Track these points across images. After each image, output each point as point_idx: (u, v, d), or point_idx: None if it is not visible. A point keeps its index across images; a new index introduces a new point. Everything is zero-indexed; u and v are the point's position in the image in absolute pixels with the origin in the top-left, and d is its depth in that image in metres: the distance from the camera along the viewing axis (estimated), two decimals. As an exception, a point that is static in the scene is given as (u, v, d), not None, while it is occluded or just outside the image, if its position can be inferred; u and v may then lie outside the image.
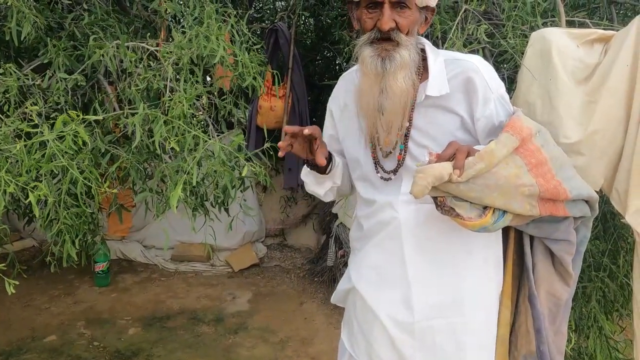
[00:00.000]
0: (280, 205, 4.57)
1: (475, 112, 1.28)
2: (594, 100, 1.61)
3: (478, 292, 1.38)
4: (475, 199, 1.15)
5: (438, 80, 1.28)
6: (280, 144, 1.28)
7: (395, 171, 1.36)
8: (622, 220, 1.59)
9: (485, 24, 1.88)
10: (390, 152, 1.36)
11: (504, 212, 1.18)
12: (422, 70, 1.31)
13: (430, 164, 1.12)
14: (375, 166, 1.40)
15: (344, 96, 1.48)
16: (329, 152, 1.42)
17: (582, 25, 2.04)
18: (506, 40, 1.89)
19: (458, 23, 1.84)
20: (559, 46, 1.68)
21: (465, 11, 1.89)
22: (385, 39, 1.23)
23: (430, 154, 1.13)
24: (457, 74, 1.29)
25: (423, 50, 1.33)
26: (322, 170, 1.41)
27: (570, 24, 2.03)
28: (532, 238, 1.40)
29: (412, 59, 1.25)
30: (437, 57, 1.32)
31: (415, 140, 1.33)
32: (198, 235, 1.92)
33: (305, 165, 1.43)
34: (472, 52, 1.91)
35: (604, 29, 1.97)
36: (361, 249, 1.49)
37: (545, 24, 1.98)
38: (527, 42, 1.79)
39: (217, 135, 1.94)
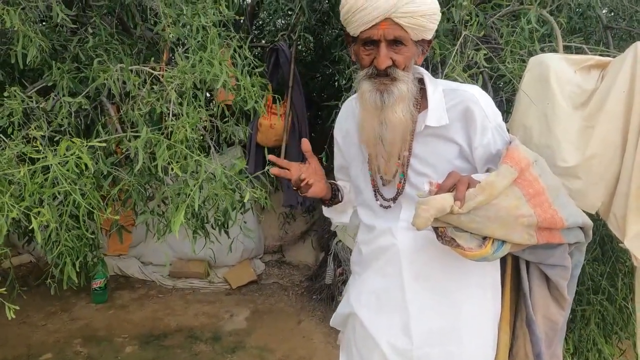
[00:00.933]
0: (279, 222, 4.56)
1: (473, 141, 1.30)
2: (591, 125, 1.63)
3: (476, 319, 1.38)
4: (476, 229, 1.16)
5: (437, 111, 1.30)
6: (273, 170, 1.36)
7: (394, 199, 1.39)
8: (620, 244, 1.60)
9: (483, 48, 1.91)
10: (390, 181, 1.38)
11: (503, 241, 1.19)
12: (421, 100, 1.34)
13: (431, 194, 1.14)
14: (375, 194, 1.43)
15: (345, 123, 1.52)
16: (331, 183, 1.50)
17: (578, 50, 2.07)
18: (505, 65, 1.92)
19: (457, 48, 1.87)
20: (556, 72, 1.71)
21: (464, 36, 1.92)
22: (382, 75, 1.25)
23: (430, 183, 1.15)
24: (456, 104, 1.31)
25: (421, 80, 1.35)
26: (334, 201, 1.51)
27: (567, 48, 2.06)
28: (527, 263, 1.41)
29: (410, 92, 1.27)
30: (436, 88, 1.34)
31: (414, 168, 1.35)
32: (196, 251, 1.93)
33: (322, 205, 1.55)
34: (471, 76, 1.94)
35: (600, 54, 2.01)
36: (361, 273, 1.51)
37: (543, 49, 2.02)
38: (525, 66, 1.82)
39: (218, 153, 1.96)
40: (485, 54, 1.88)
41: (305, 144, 1.43)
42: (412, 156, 1.34)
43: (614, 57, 1.73)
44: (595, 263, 2.13)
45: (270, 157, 1.37)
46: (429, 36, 1.30)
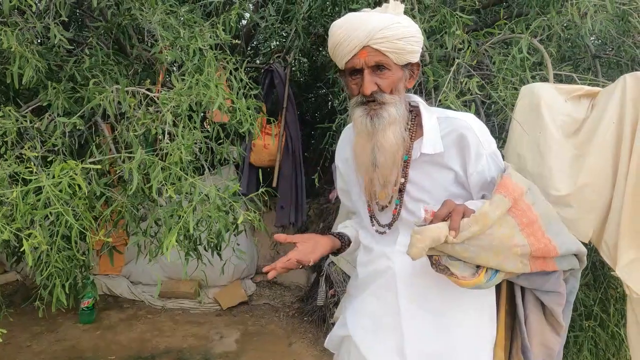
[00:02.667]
0: (272, 242, 4.54)
1: (468, 167, 1.32)
2: (582, 155, 1.66)
3: (472, 342, 1.38)
4: (469, 258, 1.17)
5: (432, 139, 1.32)
6: (267, 269, 1.37)
7: (390, 225, 1.40)
8: (611, 272, 1.61)
9: (476, 75, 1.95)
10: (386, 206, 1.40)
11: (497, 270, 1.20)
12: (417, 128, 1.36)
13: (426, 221, 1.14)
14: (371, 220, 1.45)
15: (344, 151, 1.54)
16: (339, 233, 1.53)
17: (568, 78, 2.11)
18: (497, 92, 1.95)
19: (451, 75, 1.90)
20: (547, 100, 1.74)
21: (457, 64, 1.95)
22: (370, 101, 1.28)
23: (426, 211, 1.15)
24: (451, 131, 1.33)
25: (417, 108, 1.38)
26: (341, 249, 1.52)
27: (557, 76, 2.11)
28: (523, 289, 1.42)
29: (400, 115, 1.30)
30: (430, 116, 1.36)
31: (411, 195, 1.36)
32: (188, 271, 1.91)
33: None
34: (464, 102, 1.97)
35: (589, 82, 2.05)
36: (357, 296, 1.52)
37: (534, 77, 2.06)
38: (517, 94, 1.85)
39: (211, 174, 1.95)
40: (477, 81, 1.91)
41: (279, 237, 1.43)
42: (408, 182, 1.35)
43: (603, 86, 1.77)
44: (587, 289, 2.14)
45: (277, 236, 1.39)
46: (413, 59, 1.32)
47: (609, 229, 1.59)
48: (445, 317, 1.36)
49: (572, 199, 1.59)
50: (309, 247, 1.39)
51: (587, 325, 2.11)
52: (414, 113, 1.38)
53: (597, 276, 2.14)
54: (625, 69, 2.45)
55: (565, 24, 2.41)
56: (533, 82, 1.96)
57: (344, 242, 1.51)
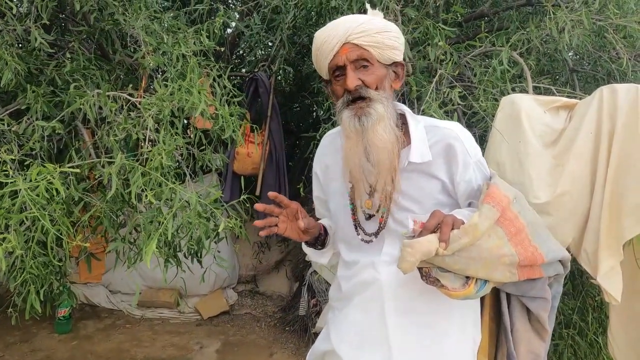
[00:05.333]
0: (254, 251, 4.50)
1: (455, 177, 1.32)
2: (561, 164, 1.69)
3: (457, 352, 1.37)
4: (459, 270, 1.16)
5: (420, 147, 1.32)
6: (257, 222, 1.31)
7: (376, 234, 1.37)
8: (591, 280, 1.63)
9: (458, 86, 1.98)
10: (373, 215, 1.37)
11: (486, 280, 1.20)
12: (404, 136, 1.34)
13: (415, 233, 1.14)
14: (356, 228, 1.41)
15: (325, 158, 1.51)
16: (324, 226, 1.47)
17: (547, 91, 2.16)
18: (478, 103, 1.98)
19: (433, 85, 1.92)
20: (527, 111, 1.77)
21: (439, 74, 1.98)
22: (356, 98, 1.27)
23: (415, 222, 1.15)
24: (438, 140, 1.33)
25: (403, 116, 1.37)
26: (319, 244, 1.47)
27: (536, 89, 2.15)
28: (508, 296, 1.42)
29: (389, 112, 1.28)
30: (417, 124, 1.36)
31: (398, 203, 1.34)
32: (168, 280, 1.87)
33: (302, 243, 1.48)
34: (447, 112, 1.99)
35: (567, 95, 2.10)
36: (341, 309, 1.47)
37: (514, 89, 2.09)
38: (497, 105, 1.88)
39: (193, 181, 1.93)
40: (459, 92, 1.94)
41: (271, 194, 1.36)
42: (395, 191, 1.33)
43: (580, 98, 1.81)
44: (566, 298, 2.17)
45: (271, 194, 1.33)
46: (396, 56, 1.33)
47: (588, 237, 1.61)
48: (431, 328, 1.35)
49: (551, 207, 1.61)
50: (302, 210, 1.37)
51: (566, 333, 2.13)
52: (401, 121, 1.36)
53: (576, 285, 2.17)
54: (602, 83, 2.51)
55: (544, 39, 2.46)
56: (513, 93, 2.00)
57: (320, 235, 1.48)
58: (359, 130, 1.26)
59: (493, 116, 1.87)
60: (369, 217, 1.38)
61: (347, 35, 1.26)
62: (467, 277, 1.18)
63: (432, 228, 1.14)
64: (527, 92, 2.05)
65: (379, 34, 1.27)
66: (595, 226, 1.60)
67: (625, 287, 1.56)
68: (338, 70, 1.30)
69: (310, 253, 1.54)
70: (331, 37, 1.27)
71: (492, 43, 2.35)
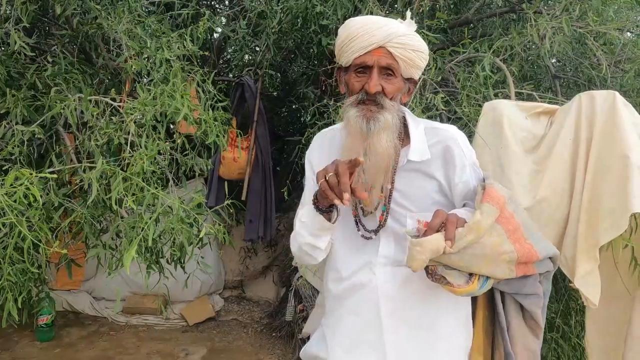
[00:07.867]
0: (240, 256, 4.48)
1: (453, 178, 1.34)
2: (541, 170, 1.71)
3: (450, 353, 1.38)
4: (463, 267, 1.19)
5: (419, 147, 1.34)
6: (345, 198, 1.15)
7: (376, 231, 1.37)
8: (570, 284, 1.65)
9: (441, 92, 1.99)
10: (371, 213, 1.37)
11: (487, 277, 1.23)
12: (404, 136, 1.37)
13: (419, 231, 1.16)
14: (357, 224, 1.40)
15: (319, 156, 1.47)
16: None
17: (529, 96, 2.19)
18: (461, 108, 2.00)
19: (417, 91, 1.94)
20: (509, 117, 1.79)
21: (423, 80, 2.00)
22: (371, 101, 1.28)
23: (419, 221, 1.17)
24: (437, 142, 1.35)
25: (403, 118, 1.39)
26: (329, 217, 1.30)
27: (518, 95, 2.18)
28: (503, 295, 1.43)
29: (395, 123, 1.30)
30: (417, 125, 1.38)
31: (397, 201, 1.35)
32: (151, 286, 1.85)
33: (313, 207, 1.29)
34: (430, 117, 2.01)
35: (549, 101, 2.13)
36: (334, 312, 1.46)
37: (496, 95, 2.12)
38: (480, 110, 1.90)
39: (177, 186, 1.92)
40: (443, 97, 1.95)
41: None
42: (394, 189, 1.34)
43: (562, 104, 1.83)
44: (549, 301, 2.18)
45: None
46: (416, 75, 1.35)
47: (567, 241, 1.64)
48: (425, 330, 1.35)
49: (532, 213, 1.63)
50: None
51: (549, 337, 2.15)
52: (401, 122, 1.37)
53: (559, 288, 2.19)
54: (583, 89, 2.55)
55: (527, 45, 2.50)
56: (496, 99, 2.02)
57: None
58: (364, 133, 1.26)
59: (476, 122, 1.89)
60: (368, 214, 1.38)
61: (387, 41, 1.26)
62: (470, 274, 1.20)
63: (437, 227, 1.15)
64: (509, 97, 2.08)
65: (414, 52, 1.29)
66: (573, 231, 1.62)
67: (603, 291, 1.58)
68: (362, 67, 1.29)
69: (311, 227, 1.35)
70: (370, 34, 1.26)
71: (476, 49, 2.37)
